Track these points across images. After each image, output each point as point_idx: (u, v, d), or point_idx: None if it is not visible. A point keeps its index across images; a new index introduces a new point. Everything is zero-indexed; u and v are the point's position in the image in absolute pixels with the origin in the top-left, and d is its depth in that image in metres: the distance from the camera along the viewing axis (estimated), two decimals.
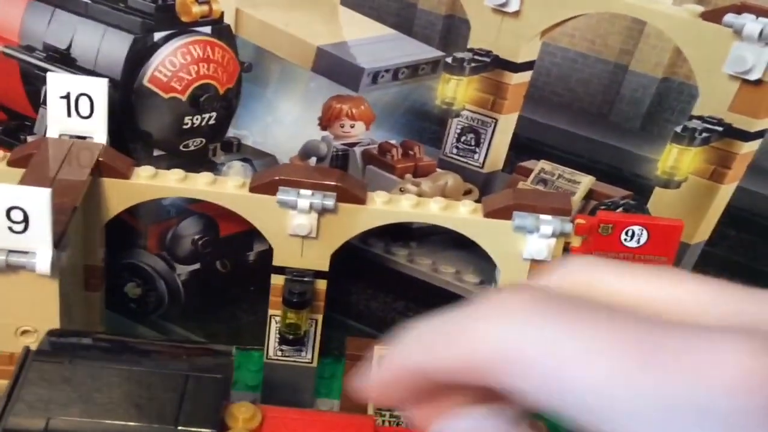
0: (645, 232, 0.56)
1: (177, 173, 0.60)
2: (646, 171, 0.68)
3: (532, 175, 0.69)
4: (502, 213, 0.59)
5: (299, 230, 0.59)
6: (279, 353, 0.64)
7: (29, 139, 0.68)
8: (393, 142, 0.69)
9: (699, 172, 0.67)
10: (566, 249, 0.57)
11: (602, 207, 0.69)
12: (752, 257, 0.73)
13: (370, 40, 0.66)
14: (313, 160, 0.69)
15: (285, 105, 0.68)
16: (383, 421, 0.61)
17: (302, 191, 0.58)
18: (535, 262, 0.58)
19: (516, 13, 0.63)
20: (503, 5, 0.63)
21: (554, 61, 0.65)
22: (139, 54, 0.64)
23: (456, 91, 0.66)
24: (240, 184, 0.60)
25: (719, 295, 0.21)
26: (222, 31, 0.66)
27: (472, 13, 0.64)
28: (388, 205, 0.60)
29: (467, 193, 0.69)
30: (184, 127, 0.66)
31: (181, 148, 0.68)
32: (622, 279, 0.22)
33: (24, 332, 0.54)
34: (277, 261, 0.62)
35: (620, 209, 0.68)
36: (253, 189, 0.59)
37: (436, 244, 0.70)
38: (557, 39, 0.64)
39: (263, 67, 0.67)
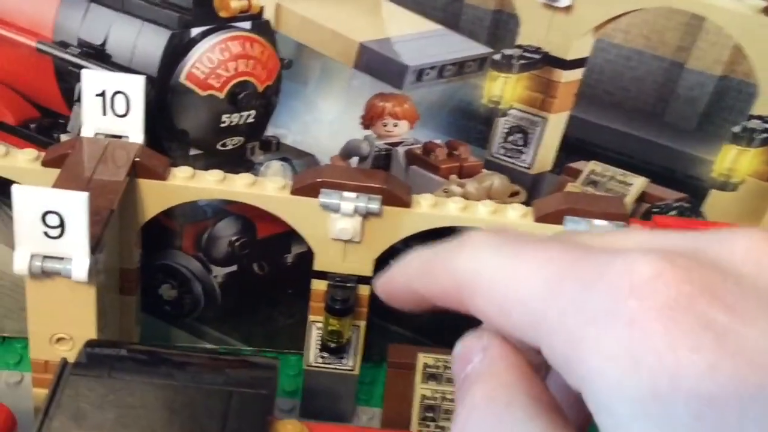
0: None
1: (215, 174, 0.58)
2: (702, 172, 0.65)
3: (582, 177, 0.66)
4: (554, 217, 0.57)
5: (342, 234, 0.57)
6: (320, 360, 0.62)
7: (63, 137, 0.66)
8: (437, 141, 0.67)
9: (757, 174, 0.64)
10: None
11: (655, 210, 0.66)
12: None
13: (415, 36, 0.63)
14: (354, 160, 0.66)
15: (325, 103, 0.66)
16: None
17: (346, 194, 0.56)
18: None
19: (568, 8, 0.61)
20: (554, 0, 0.60)
21: (607, 58, 0.62)
22: (176, 50, 0.62)
23: (503, 89, 0.64)
24: (281, 186, 0.58)
25: (660, 235, 0.23)
26: (261, 26, 0.64)
27: (521, 8, 0.61)
28: (435, 209, 0.58)
29: (514, 194, 0.67)
30: (222, 125, 0.65)
31: (218, 147, 0.66)
32: None
33: (59, 340, 0.52)
34: (318, 266, 0.60)
35: (674, 212, 0.66)
36: (295, 191, 0.57)
37: None
38: (611, 35, 0.61)
39: (303, 63, 0.65)
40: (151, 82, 0.61)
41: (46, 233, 0.47)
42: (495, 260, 0.23)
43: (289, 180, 0.59)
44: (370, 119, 0.66)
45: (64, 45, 0.64)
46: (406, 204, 0.57)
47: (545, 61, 0.63)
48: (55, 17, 0.64)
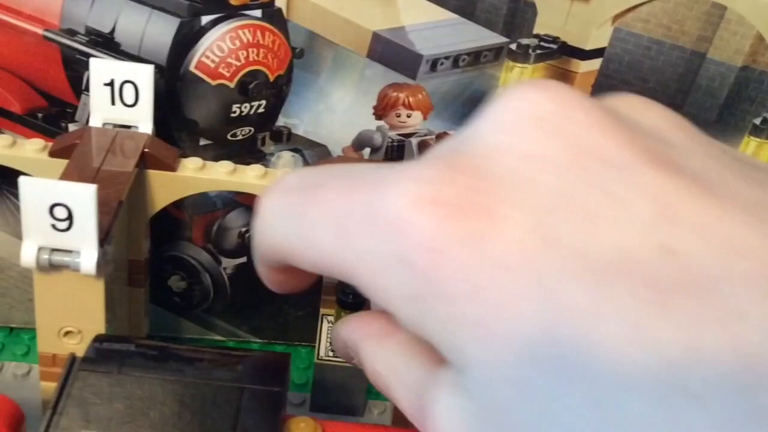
0: None
1: (226, 165, 0.57)
2: None
3: None
4: None
5: None
6: (331, 354, 0.61)
7: (71, 126, 0.65)
8: (452, 132, 0.66)
9: None
10: None
11: None
12: None
13: (430, 25, 0.62)
14: (367, 151, 0.65)
15: (338, 93, 0.64)
16: None
17: None
18: None
19: None
20: None
21: (626, 48, 0.61)
22: (186, 38, 0.61)
23: (520, 79, 0.63)
24: None
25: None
26: (273, 14, 0.62)
27: None
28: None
29: None
30: (232, 115, 0.64)
31: (228, 137, 0.65)
32: None
33: (67, 333, 0.51)
34: None
35: None
36: None
37: None
38: (630, 24, 0.60)
39: (316, 53, 0.63)
40: (160, 71, 0.60)
41: (53, 226, 0.46)
42: (289, 229, 0.26)
43: None
44: (382, 110, 0.64)
45: (71, 33, 0.63)
46: None
47: (563, 51, 0.62)
48: (63, 4, 0.63)
